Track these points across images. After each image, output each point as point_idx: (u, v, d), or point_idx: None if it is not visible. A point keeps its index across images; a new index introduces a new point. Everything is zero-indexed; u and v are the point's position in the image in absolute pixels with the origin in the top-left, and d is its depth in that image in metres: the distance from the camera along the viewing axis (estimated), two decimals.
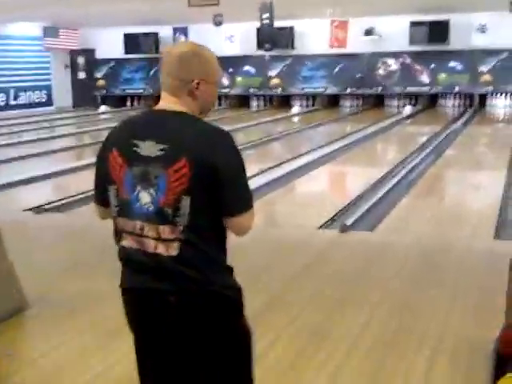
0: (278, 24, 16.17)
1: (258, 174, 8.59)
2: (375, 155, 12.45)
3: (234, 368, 2.13)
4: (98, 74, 22.28)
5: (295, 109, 19.95)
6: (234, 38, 20.15)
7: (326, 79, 20.03)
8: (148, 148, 2.00)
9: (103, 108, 21.26)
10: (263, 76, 20.34)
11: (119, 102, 22.08)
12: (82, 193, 7.50)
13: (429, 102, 19.48)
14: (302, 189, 9.01)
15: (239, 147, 2.07)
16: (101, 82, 22.31)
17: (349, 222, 6.30)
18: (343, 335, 3.84)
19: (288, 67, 20.26)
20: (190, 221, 1.98)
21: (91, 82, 22.15)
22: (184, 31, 20.79)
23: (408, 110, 18.41)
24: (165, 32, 20.91)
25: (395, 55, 19.29)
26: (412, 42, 18.69)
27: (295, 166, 9.71)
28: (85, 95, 21.98)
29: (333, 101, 20.36)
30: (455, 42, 18.34)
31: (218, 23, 18.07)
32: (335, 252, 5.65)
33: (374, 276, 4.97)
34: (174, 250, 1.99)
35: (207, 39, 19.82)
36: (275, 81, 20.39)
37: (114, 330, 3.61)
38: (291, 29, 19.61)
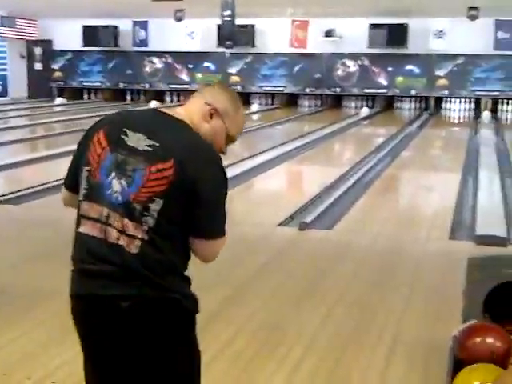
0: (239, 22, 16.15)
1: None
2: (333, 155, 12.55)
3: (182, 379, 2.04)
4: (55, 66, 21.90)
5: (254, 106, 19.97)
6: (195, 34, 20.05)
7: (286, 78, 20.09)
8: (136, 140, 1.97)
9: (59, 100, 20.92)
10: (223, 73, 20.30)
11: (76, 94, 21.75)
12: (36, 186, 7.34)
13: (386, 104, 19.70)
14: (260, 187, 9.03)
15: None
16: (57, 74, 21.94)
17: (308, 219, 6.34)
18: (301, 333, 3.87)
19: (248, 65, 20.26)
20: (156, 224, 1.92)
21: (48, 73, 21.78)
22: (144, 25, 20.60)
23: (365, 111, 18.59)
24: (124, 25, 20.70)
25: (354, 57, 19.45)
26: (371, 44, 18.86)
27: (254, 164, 9.72)
28: (41, 86, 21.58)
29: (292, 100, 20.43)
30: (413, 45, 18.56)
31: (178, 19, 17.98)
32: (294, 250, 5.69)
33: (332, 275, 5.02)
34: (134, 248, 1.92)
35: (167, 34, 19.92)
36: (235, 78, 20.37)
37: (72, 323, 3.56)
38: (252, 27, 19.61)
